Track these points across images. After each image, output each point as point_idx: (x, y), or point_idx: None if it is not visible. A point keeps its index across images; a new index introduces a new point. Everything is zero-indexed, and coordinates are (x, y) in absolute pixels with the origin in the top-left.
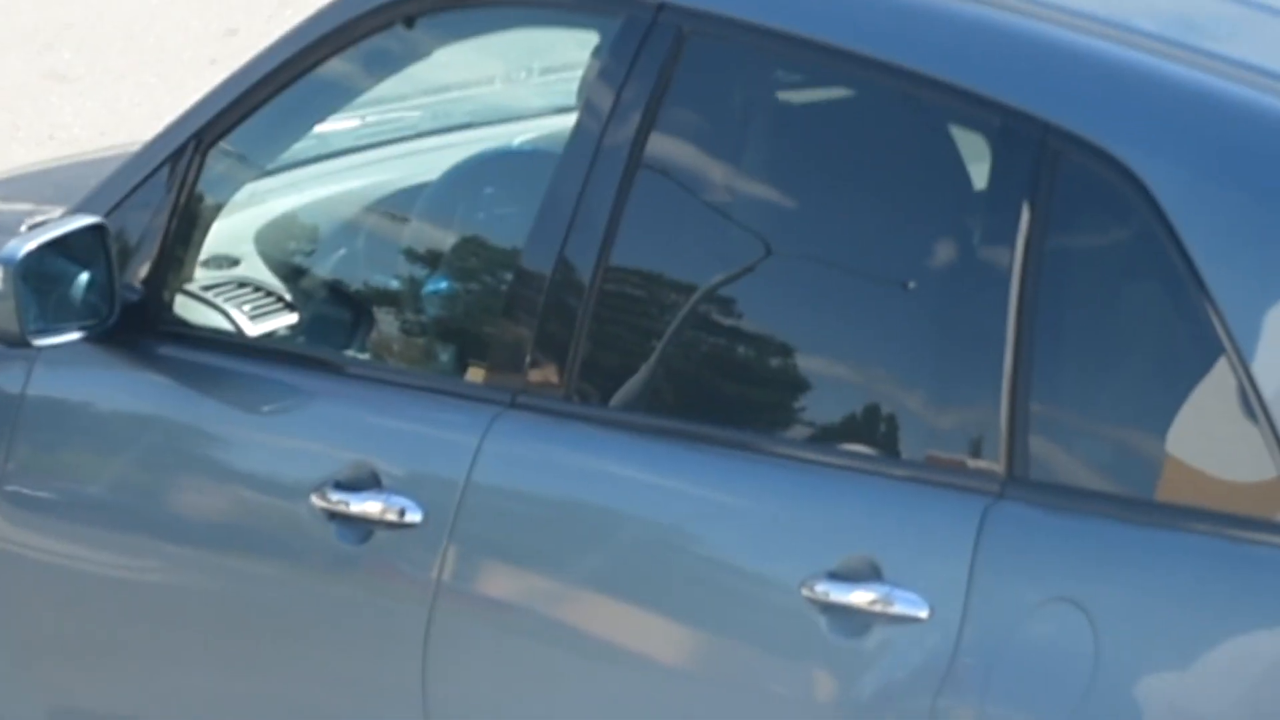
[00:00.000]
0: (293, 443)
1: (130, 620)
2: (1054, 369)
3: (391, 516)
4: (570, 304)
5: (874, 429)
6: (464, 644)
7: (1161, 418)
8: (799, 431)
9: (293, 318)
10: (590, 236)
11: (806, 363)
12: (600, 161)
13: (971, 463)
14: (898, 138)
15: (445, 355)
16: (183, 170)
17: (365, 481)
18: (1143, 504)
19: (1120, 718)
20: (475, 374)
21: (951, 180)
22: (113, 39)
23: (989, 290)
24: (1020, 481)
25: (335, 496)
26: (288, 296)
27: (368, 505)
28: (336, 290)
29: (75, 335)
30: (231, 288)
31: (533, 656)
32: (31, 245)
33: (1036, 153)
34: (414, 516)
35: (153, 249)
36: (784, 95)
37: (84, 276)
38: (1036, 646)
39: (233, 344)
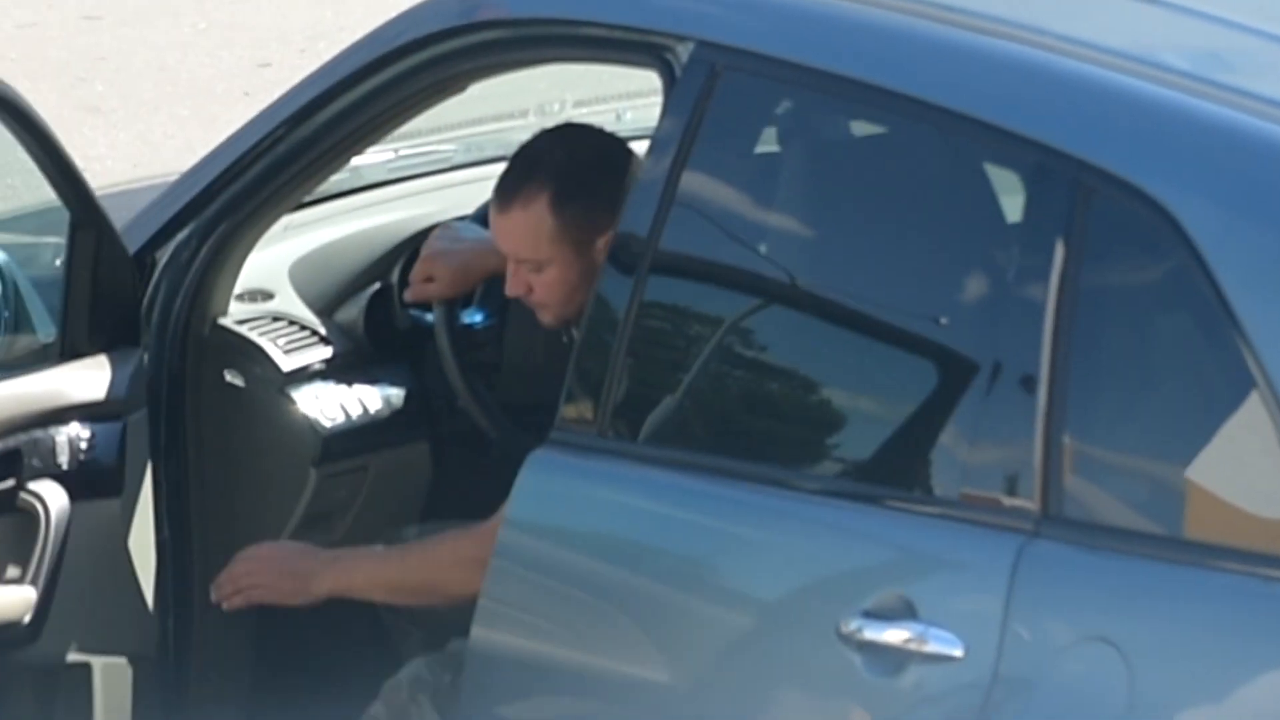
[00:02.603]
0: None
1: None
2: (1088, 406)
3: None
4: (605, 340)
5: (908, 466)
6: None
7: (1195, 455)
8: (834, 468)
9: (326, 351)
10: (625, 271)
11: (842, 399)
12: (635, 196)
13: (1006, 500)
14: (932, 175)
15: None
16: None
17: None
18: (1177, 542)
19: None
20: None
21: (985, 218)
22: (145, 72)
23: (1023, 327)
24: (1055, 519)
25: None
26: (321, 331)
27: None
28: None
29: None
30: (266, 321)
31: (566, 694)
32: None
33: (1070, 190)
34: None
35: None
36: (818, 132)
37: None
38: (1071, 685)
39: None
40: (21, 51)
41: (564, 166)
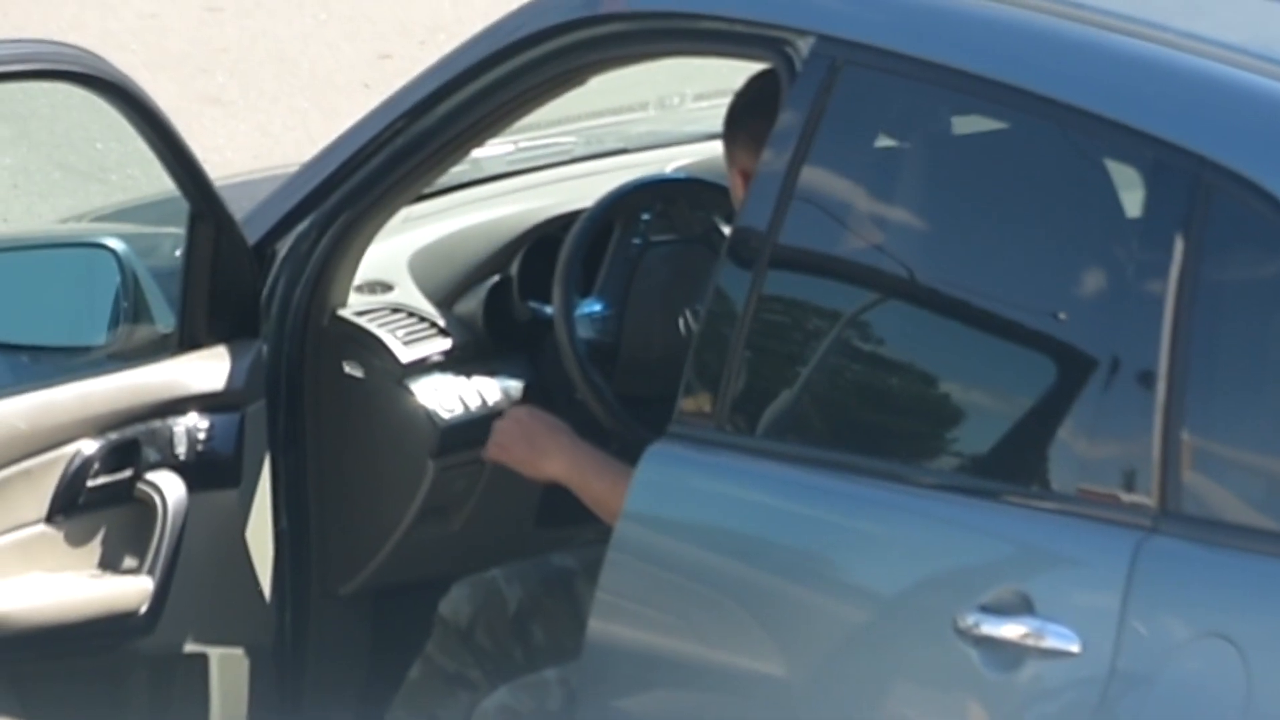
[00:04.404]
0: None
1: None
2: (1207, 402)
3: None
4: (724, 333)
5: (1025, 461)
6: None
7: None
8: (951, 463)
9: (445, 343)
10: (744, 265)
11: (958, 393)
12: (754, 190)
13: (1124, 496)
14: (1051, 170)
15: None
16: None
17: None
18: None
19: None
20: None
21: (1105, 213)
22: (266, 63)
23: (1142, 323)
24: (1173, 515)
25: None
26: (440, 323)
27: None
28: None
29: None
30: (385, 313)
31: (683, 688)
32: None
33: (1190, 186)
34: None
35: None
36: (938, 127)
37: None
38: (1188, 682)
39: None
40: (142, 43)
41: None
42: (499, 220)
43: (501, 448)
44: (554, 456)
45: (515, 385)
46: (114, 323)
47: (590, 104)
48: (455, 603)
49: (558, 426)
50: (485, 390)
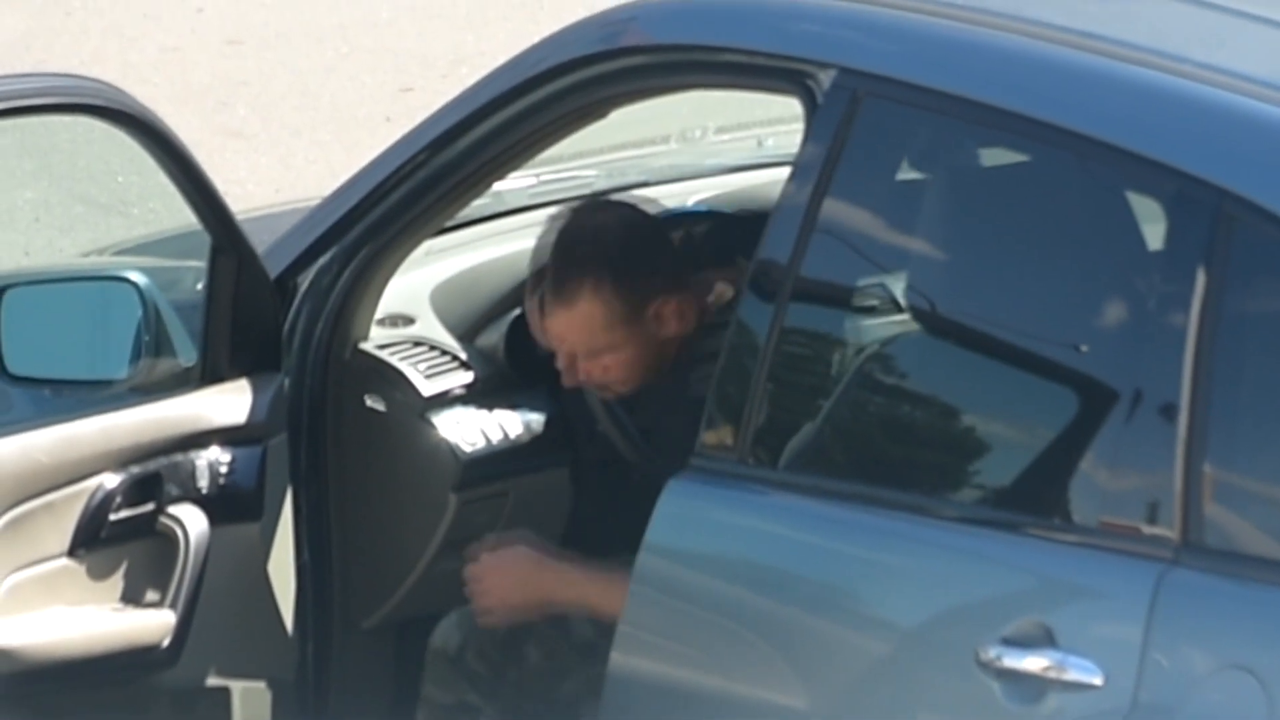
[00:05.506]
0: None
1: None
2: (1229, 434)
3: None
4: (746, 365)
5: (1047, 493)
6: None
7: None
8: (973, 494)
9: (467, 376)
10: (766, 297)
11: (980, 425)
12: (775, 222)
13: (1145, 528)
14: (1072, 203)
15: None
16: None
17: None
18: None
19: None
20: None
21: (1126, 246)
22: (287, 96)
23: (1164, 355)
24: (1195, 548)
25: None
26: (462, 356)
27: None
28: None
29: None
30: (407, 346)
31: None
32: None
33: (1212, 218)
34: None
35: None
36: (959, 159)
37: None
38: (1210, 715)
39: None
40: (164, 76)
41: (600, 255)
42: (521, 253)
43: (505, 606)
44: (544, 587)
45: (537, 418)
46: (136, 356)
47: (612, 137)
48: (444, 632)
49: (525, 555)
50: (507, 423)
